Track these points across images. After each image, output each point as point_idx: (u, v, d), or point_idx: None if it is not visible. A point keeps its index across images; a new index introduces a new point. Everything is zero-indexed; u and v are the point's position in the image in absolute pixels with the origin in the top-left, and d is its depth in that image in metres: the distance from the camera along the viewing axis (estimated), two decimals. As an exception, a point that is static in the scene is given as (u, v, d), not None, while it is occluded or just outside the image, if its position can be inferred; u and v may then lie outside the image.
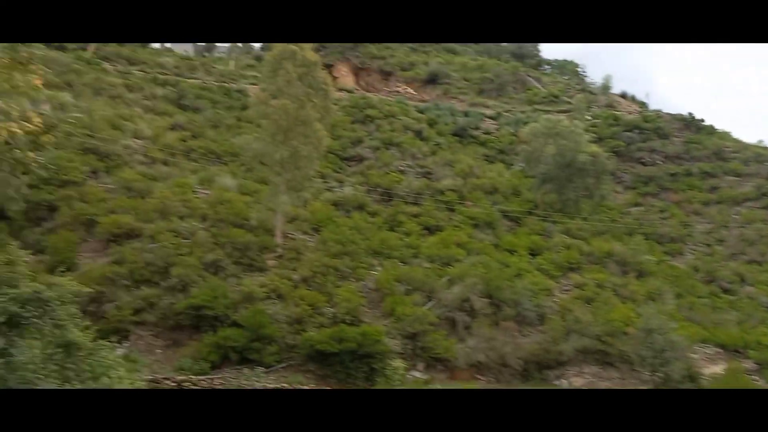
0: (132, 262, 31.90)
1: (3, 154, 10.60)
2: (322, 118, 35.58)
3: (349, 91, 75.83)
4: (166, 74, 69.79)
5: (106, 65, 68.19)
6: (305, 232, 40.50)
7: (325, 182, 50.33)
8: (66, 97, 53.30)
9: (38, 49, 58.70)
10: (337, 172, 53.97)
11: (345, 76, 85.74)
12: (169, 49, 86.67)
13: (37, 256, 33.86)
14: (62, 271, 30.63)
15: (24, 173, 28.81)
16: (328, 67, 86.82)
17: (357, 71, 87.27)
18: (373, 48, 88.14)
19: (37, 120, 11.09)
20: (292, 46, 34.82)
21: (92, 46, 72.36)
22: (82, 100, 54.36)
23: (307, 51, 35.36)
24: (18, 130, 10.03)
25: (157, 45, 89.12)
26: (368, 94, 76.12)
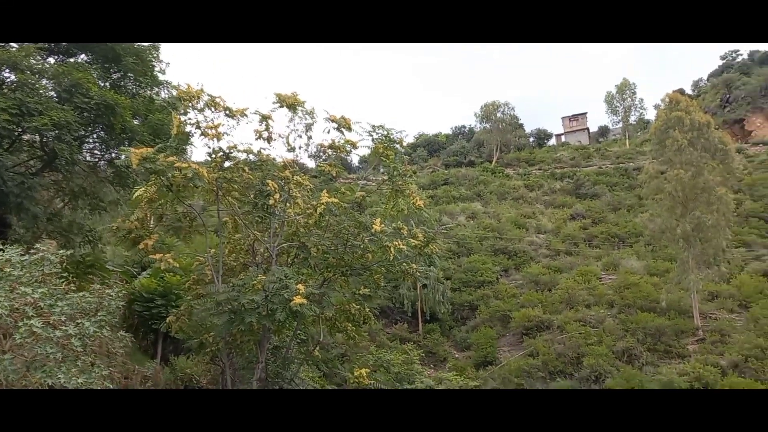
0: (544, 353, 32.80)
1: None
2: (725, 181, 31.86)
3: (766, 144, 66.18)
4: (563, 167, 72.55)
5: (509, 171, 74.69)
6: (730, 311, 35.61)
7: (750, 251, 43.87)
8: (477, 206, 60.06)
9: (453, 171, 67.97)
10: (765, 238, 46.54)
11: (761, 128, 75.37)
12: (566, 143, 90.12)
13: (464, 352, 37.90)
14: (485, 366, 33.89)
15: (413, 282, 32.95)
16: (739, 122, 78.00)
17: (777, 118, 75.80)
18: (793, 88, 75.68)
19: (421, 236, 13.03)
20: (678, 113, 32.70)
21: (495, 156, 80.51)
22: (490, 206, 60.44)
23: (696, 113, 32.70)
24: (403, 247, 11.94)
25: (552, 141, 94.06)
26: (793, 141, 65.09)
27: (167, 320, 13.19)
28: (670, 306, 33.74)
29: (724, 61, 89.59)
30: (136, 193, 11.30)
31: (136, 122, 17.20)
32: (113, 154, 18.07)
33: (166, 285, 18.96)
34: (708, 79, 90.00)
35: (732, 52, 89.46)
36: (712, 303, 36.00)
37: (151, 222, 11.59)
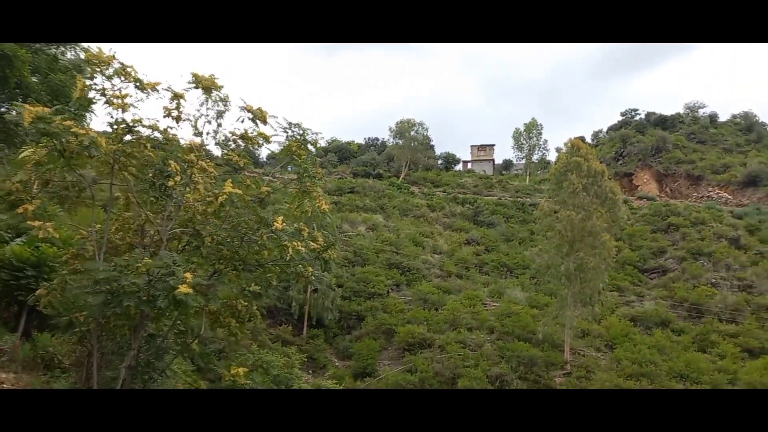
0: (423, 371, 33.42)
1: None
2: (609, 228, 34.07)
3: (650, 199, 71.51)
4: (466, 193, 74.82)
5: (414, 189, 76.06)
6: (598, 349, 37.97)
7: (622, 296, 47.13)
8: (378, 218, 60.61)
9: (360, 181, 68.06)
10: (636, 285, 50.18)
11: (647, 184, 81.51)
12: (471, 171, 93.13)
13: (345, 361, 37.94)
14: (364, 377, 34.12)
15: (304, 285, 32.89)
16: (628, 175, 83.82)
17: (661, 178, 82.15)
18: (679, 153, 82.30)
19: (321, 240, 12.93)
20: (578, 158, 34.64)
21: (403, 173, 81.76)
22: (391, 221, 61.17)
23: (593, 161, 34.81)
24: (302, 248, 11.80)
25: (459, 167, 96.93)
26: (672, 201, 70.69)
27: (37, 293, 12.26)
28: (545, 338, 35.48)
29: (624, 117, 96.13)
30: (23, 154, 10.47)
31: (34, 79, 16.03)
32: (3, 109, 16.74)
33: (41, 255, 17.70)
34: (607, 132, 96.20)
35: (631, 110, 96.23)
36: (583, 340, 38.23)
37: (35, 186, 10.79)
